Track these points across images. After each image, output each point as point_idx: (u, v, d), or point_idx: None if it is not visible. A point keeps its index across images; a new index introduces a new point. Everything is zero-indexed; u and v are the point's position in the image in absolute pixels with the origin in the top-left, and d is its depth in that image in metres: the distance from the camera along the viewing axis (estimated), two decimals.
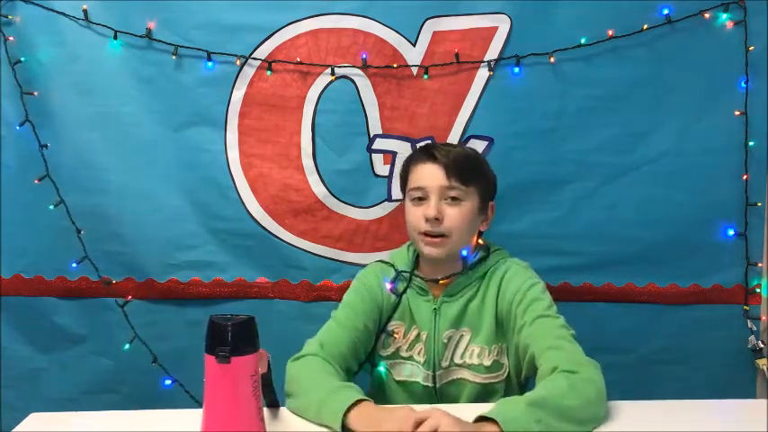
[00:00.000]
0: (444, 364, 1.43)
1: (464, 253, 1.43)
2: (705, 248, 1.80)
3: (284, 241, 1.84)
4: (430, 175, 1.42)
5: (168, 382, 1.88)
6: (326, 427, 1.15)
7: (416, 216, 1.43)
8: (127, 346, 1.86)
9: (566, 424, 1.08)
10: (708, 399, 1.33)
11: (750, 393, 1.80)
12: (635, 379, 1.82)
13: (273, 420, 1.19)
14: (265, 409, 1.12)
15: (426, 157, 1.44)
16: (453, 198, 1.41)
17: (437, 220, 1.39)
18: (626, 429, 1.14)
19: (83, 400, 1.88)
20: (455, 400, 1.43)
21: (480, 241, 1.50)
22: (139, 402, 1.81)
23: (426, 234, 1.41)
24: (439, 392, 1.44)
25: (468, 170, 1.42)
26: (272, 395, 1.19)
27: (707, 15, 1.72)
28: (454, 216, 1.40)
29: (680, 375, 1.83)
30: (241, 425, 1.00)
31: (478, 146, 1.77)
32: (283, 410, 1.22)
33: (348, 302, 1.46)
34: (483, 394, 1.41)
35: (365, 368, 1.49)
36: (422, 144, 1.57)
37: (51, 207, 1.82)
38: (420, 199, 1.43)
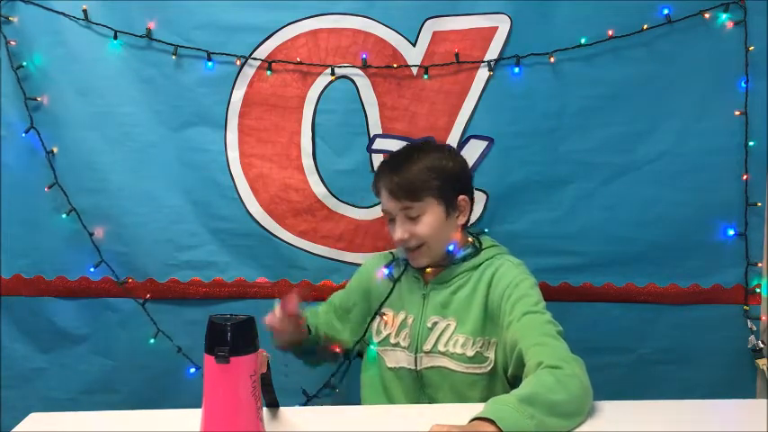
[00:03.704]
0: (426, 348, 1.45)
1: (450, 248, 1.47)
2: (705, 248, 1.80)
3: (284, 241, 1.85)
4: (386, 202, 1.48)
5: (193, 370, 1.87)
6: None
7: (391, 234, 1.49)
8: (152, 341, 1.87)
9: (555, 419, 1.09)
10: (708, 399, 1.33)
11: (750, 393, 1.80)
12: (635, 379, 1.83)
13: (273, 420, 1.19)
14: (265, 409, 1.13)
15: (378, 184, 1.50)
16: (413, 216, 1.45)
17: (405, 240, 1.45)
18: (626, 429, 1.14)
19: (83, 400, 1.88)
20: (437, 388, 1.44)
21: (470, 239, 1.52)
22: (140, 402, 1.81)
23: (405, 248, 1.48)
24: (421, 376, 1.46)
25: (415, 187, 1.43)
26: (271, 395, 1.19)
27: (707, 15, 1.72)
28: (419, 230, 1.45)
29: (680, 375, 1.83)
30: (240, 425, 1.00)
31: (478, 146, 1.77)
32: (283, 410, 1.22)
33: (343, 292, 1.65)
34: (464, 384, 1.42)
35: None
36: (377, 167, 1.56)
37: (64, 216, 1.82)
38: (390, 219, 1.49)
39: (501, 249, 1.52)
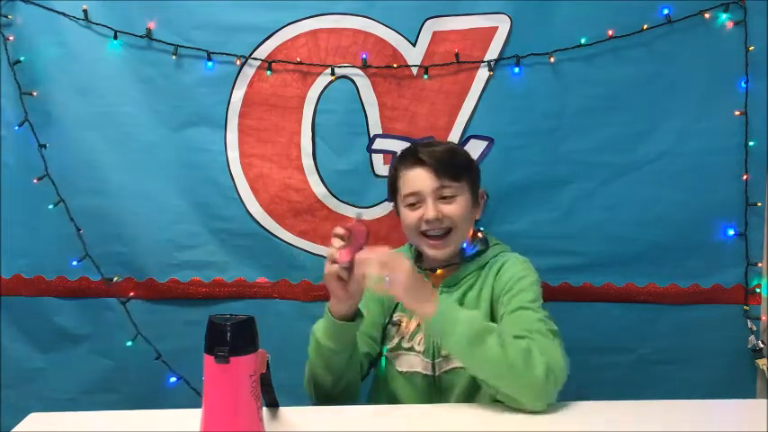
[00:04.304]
0: (444, 352, 1.44)
1: (463, 245, 1.47)
2: (705, 248, 1.80)
3: (284, 241, 1.84)
4: (420, 180, 1.44)
5: (173, 379, 1.88)
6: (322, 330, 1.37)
7: (414, 218, 1.45)
8: (129, 343, 1.86)
9: (473, 358, 1.19)
10: (708, 399, 1.33)
11: (750, 393, 1.80)
12: (635, 379, 1.82)
13: (272, 420, 1.19)
14: (265, 409, 1.13)
15: (413, 161, 1.46)
16: (448, 196, 1.44)
17: (437, 219, 1.42)
18: (627, 429, 1.14)
19: (83, 400, 1.88)
20: (452, 389, 1.44)
21: (479, 234, 1.52)
22: (140, 402, 1.80)
23: (427, 235, 1.44)
24: (438, 380, 1.45)
25: (457, 166, 1.46)
26: (271, 395, 1.19)
27: (707, 15, 1.72)
28: (452, 211, 1.43)
29: (680, 375, 1.83)
30: (240, 425, 1.00)
31: (478, 146, 1.77)
32: (283, 410, 1.22)
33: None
34: (474, 383, 1.40)
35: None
36: (404, 148, 1.56)
37: (51, 207, 1.82)
38: (415, 204, 1.45)
39: (505, 248, 1.53)
